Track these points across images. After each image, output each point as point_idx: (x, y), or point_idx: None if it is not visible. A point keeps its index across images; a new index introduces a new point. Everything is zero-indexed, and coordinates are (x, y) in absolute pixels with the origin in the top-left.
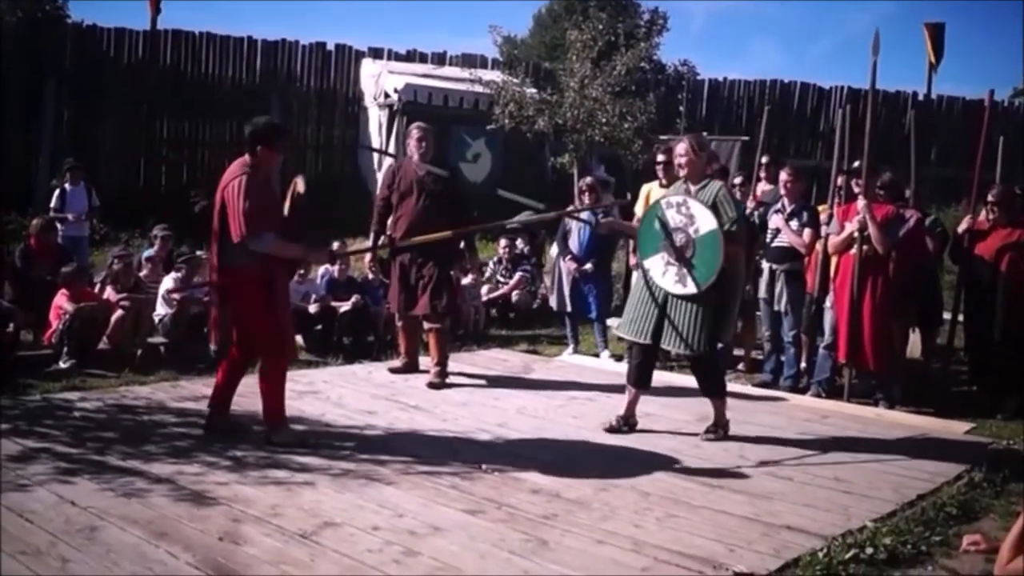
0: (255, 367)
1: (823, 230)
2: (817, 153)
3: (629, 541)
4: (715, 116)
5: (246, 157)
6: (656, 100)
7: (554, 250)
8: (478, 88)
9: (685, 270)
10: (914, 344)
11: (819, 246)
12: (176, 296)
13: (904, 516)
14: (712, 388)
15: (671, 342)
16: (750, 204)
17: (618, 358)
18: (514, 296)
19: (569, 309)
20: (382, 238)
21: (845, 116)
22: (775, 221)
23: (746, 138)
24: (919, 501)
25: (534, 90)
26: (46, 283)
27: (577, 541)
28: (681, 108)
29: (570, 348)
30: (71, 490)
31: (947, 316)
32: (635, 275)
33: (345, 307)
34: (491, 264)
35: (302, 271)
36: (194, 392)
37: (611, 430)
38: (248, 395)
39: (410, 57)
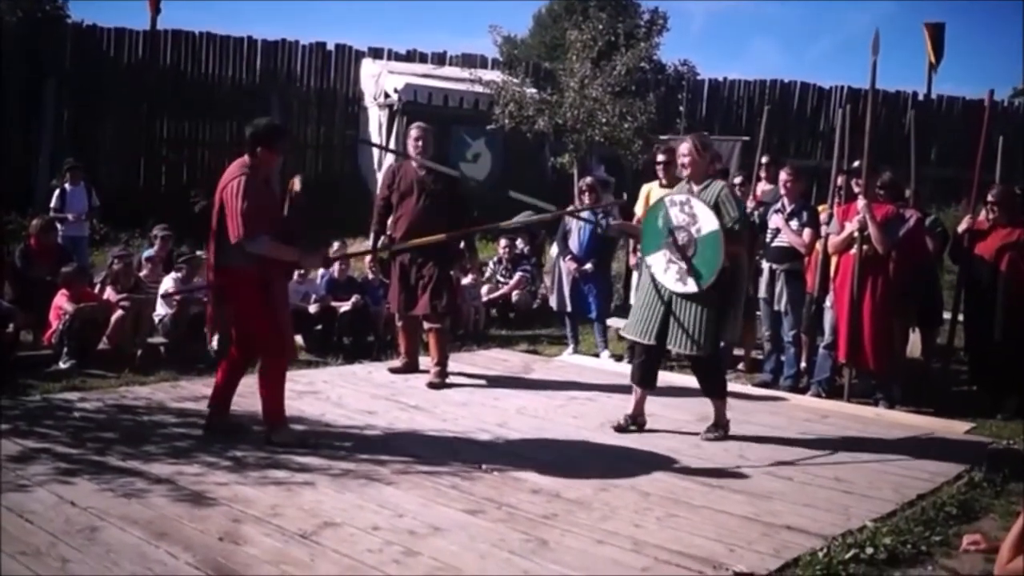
0: (255, 367)
1: (823, 230)
2: (817, 153)
3: (629, 541)
4: (715, 116)
5: (245, 158)
6: (656, 100)
7: (554, 250)
8: (478, 88)
9: (686, 269)
10: (914, 344)
11: (819, 246)
12: (175, 298)
13: (904, 516)
14: (713, 388)
15: (678, 343)
16: (750, 204)
17: (618, 358)
18: (514, 296)
19: (569, 309)
20: (382, 238)
21: (845, 116)
22: (775, 221)
23: (746, 138)
24: (919, 501)
25: (534, 90)
26: (46, 283)
27: (577, 541)
28: (681, 108)
29: (570, 348)
30: (71, 490)
31: (947, 316)
32: (635, 275)
33: (345, 307)
34: (491, 264)
35: (301, 271)
36: (194, 392)
37: (619, 429)
38: (248, 395)
39: (410, 57)
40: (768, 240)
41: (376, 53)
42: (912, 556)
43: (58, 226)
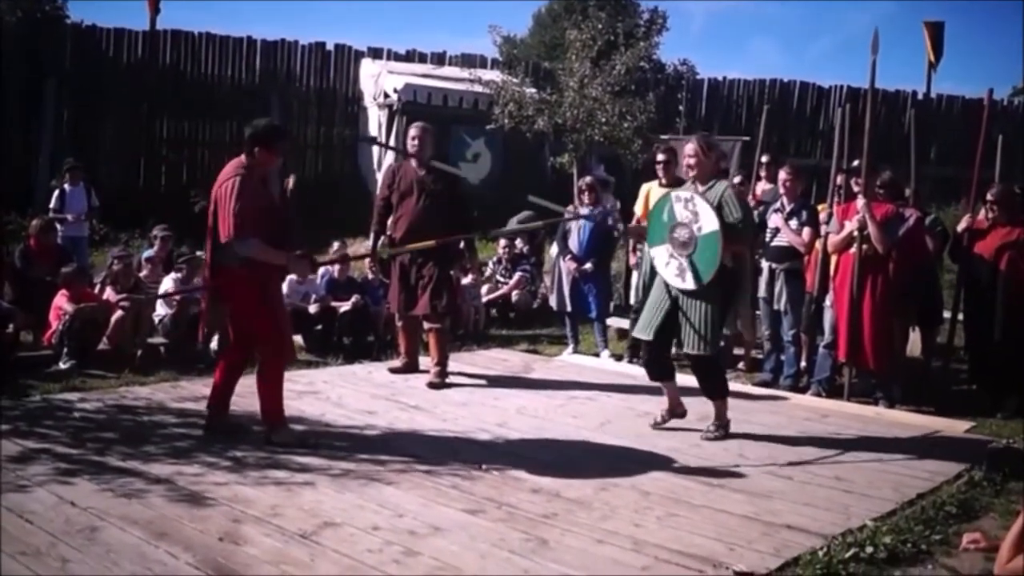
0: (254, 367)
1: (823, 229)
2: (817, 152)
3: (629, 540)
4: (715, 115)
5: (242, 158)
6: (656, 99)
7: (554, 250)
8: (478, 88)
9: (686, 265)
10: (914, 343)
11: (819, 245)
12: (174, 298)
13: (904, 515)
14: (713, 388)
15: (685, 342)
16: (749, 203)
17: (618, 358)
18: (514, 296)
19: (569, 309)
20: (382, 238)
21: (845, 115)
22: (774, 220)
23: (747, 138)
24: (919, 500)
25: (534, 90)
26: (46, 283)
27: (577, 540)
28: (681, 107)
29: (570, 348)
30: (71, 491)
31: (947, 315)
32: (635, 275)
33: (345, 307)
34: (491, 264)
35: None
36: (194, 392)
37: (657, 425)
38: (247, 395)
39: (410, 57)
40: (767, 239)
41: (376, 53)
42: (912, 555)
43: (58, 226)
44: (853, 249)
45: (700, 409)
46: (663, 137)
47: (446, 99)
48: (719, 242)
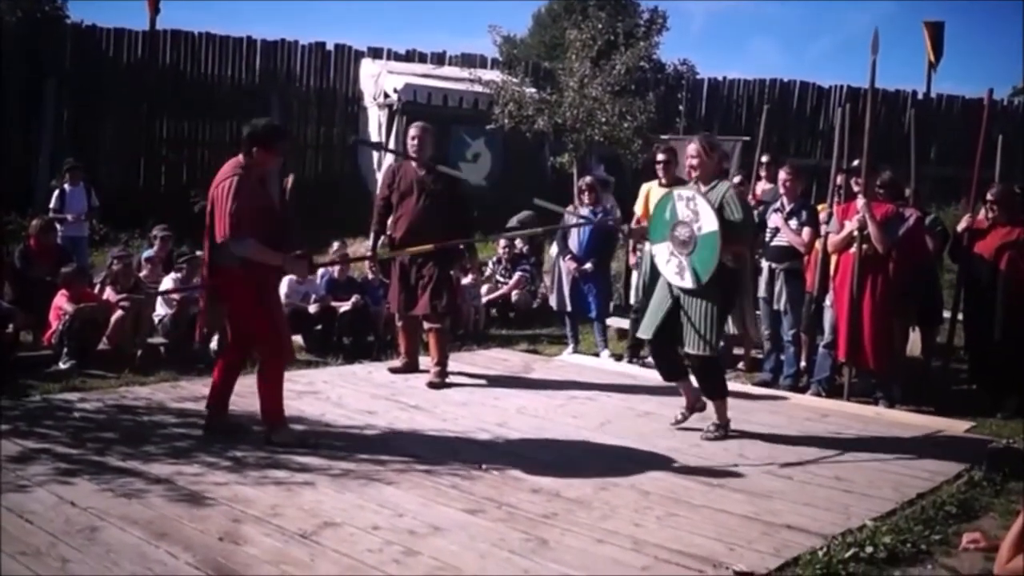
0: (254, 367)
1: (823, 229)
2: (817, 152)
3: (629, 540)
4: (715, 115)
5: (240, 158)
6: (656, 99)
7: (554, 250)
8: (478, 88)
9: (685, 264)
10: (914, 343)
11: (819, 245)
12: (173, 297)
13: (904, 515)
14: (713, 388)
15: (687, 342)
16: (750, 203)
17: (618, 357)
18: (514, 296)
19: (569, 309)
20: (382, 238)
21: (845, 115)
22: (774, 220)
23: (747, 138)
24: (919, 500)
25: (533, 90)
26: (46, 284)
27: (577, 540)
28: (681, 107)
29: (570, 348)
30: (71, 491)
31: (947, 315)
32: (635, 275)
33: (345, 307)
34: (491, 264)
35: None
36: (194, 392)
37: (678, 423)
38: (247, 395)
39: (409, 57)
40: (767, 239)
41: (376, 53)
42: (912, 555)
43: (58, 226)
44: (853, 249)
45: None
46: (663, 137)
47: (446, 99)
48: (718, 242)
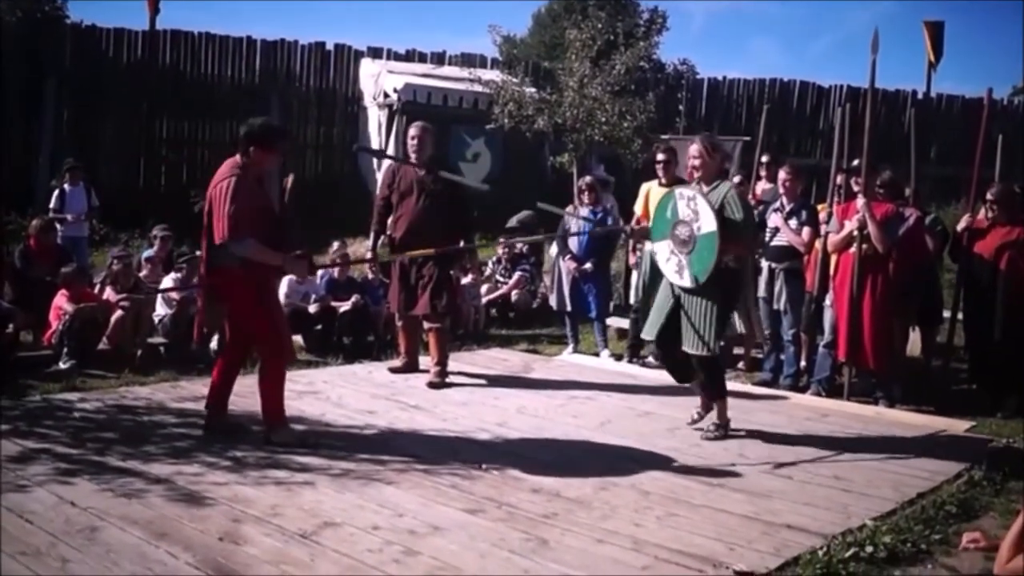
0: (254, 367)
1: (822, 229)
2: (817, 152)
3: (629, 540)
4: (715, 115)
5: (237, 157)
6: (656, 99)
7: (553, 249)
8: (477, 88)
9: (685, 263)
10: (914, 343)
11: (819, 245)
12: (173, 297)
13: (904, 514)
14: (713, 388)
15: (686, 342)
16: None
17: (618, 357)
18: (514, 295)
19: (569, 308)
20: (382, 238)
21: (845, 114)
22: (774, 220)
23: (747, 138)
24: (919, 499)
25: (533, 89)
26: (46, 283)
27: (577, 540)
28: (681, 107)
29: (570, 347)
30: (71, 491)
31: (947, 315)
32: (635, 275)
33: (345, 307)
34: (490, 264)
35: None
36: (194, 392)
37: (694, 422)
38: (247, 395)
39: (409, 57)
40: (767, 239)
41: (375, 53)
42: (912, 555)
43: (58, 226)
44: (853, 249)
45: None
46: (663, 137)
47: (446, 99)
48: (716, 243)
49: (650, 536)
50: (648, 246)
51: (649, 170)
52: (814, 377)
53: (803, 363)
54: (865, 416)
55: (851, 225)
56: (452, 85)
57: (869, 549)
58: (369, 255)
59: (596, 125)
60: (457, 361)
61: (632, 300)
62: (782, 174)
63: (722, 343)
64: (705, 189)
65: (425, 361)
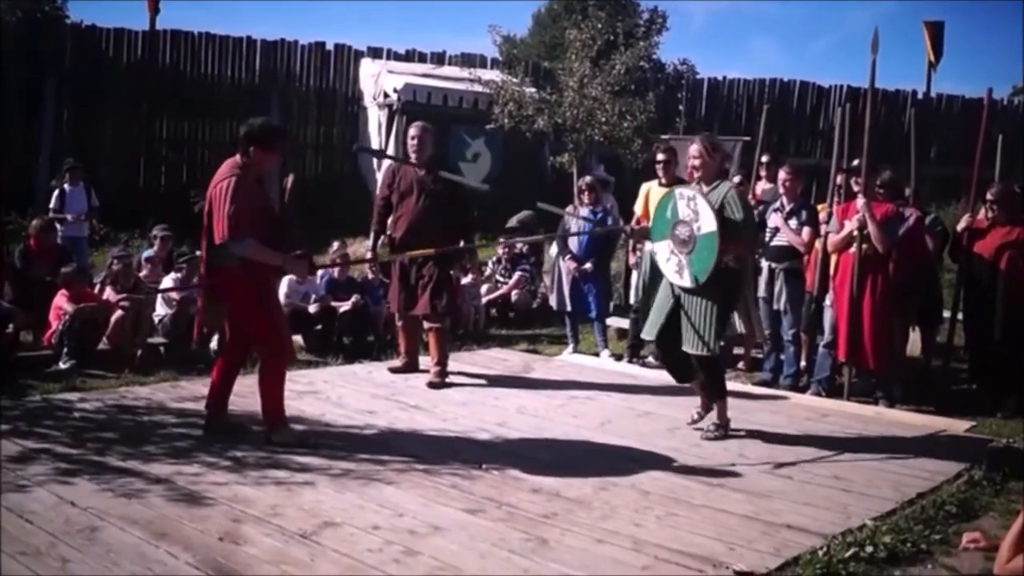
0: (254, 367)
1: (823, 229)
2: (817, 151)
3: (629, 540)
4: (715, 115)
5: (237, 158)
6: (656, 99)
7: (553, 249)
8: (477, 88)
9: (685, 263)
10: (914, 343)
11: (818, 245)
12: (173, 296)
13: (904, 514)
14: (713, 388)
15: (685, 342)
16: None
17: (618, 357)
18: (513, 295)
19: (569, 308)
20: (381, 238)
21: (845, 114)
22: (774, 220)
23: (747, 138)
24: (919, 499)
25: (533, 89)
26: (46, 283)
27: (577, 540)
28: (681, 107)
29: (570, 347)
30: (71, 491)
31: (947, 314)
32: (635, 275)
33: (345, 307)
34: (490, 264)
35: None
36: (194, 392)
37: (694, 422)
38: (247, 395)
39: (409, 57)
40: (767, 239)
41: (375, 53)
42: (912, 555)
43: (58, 226)
44: (853, 249)
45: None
46: (663, 137)
47: (446, 99)
48: (716, 243)
49: (650, 536)
50: (648, 246)
51: (649, 170)
52: (814, 377)
53: (803, 363)
54: (865, 416)
55: (851, 225)
56: (452, 85)
57: (869, 549)
58: (369, 255)
59: (596, 125)
60: (457, 361)
61: (632, 300)
62: (782, 174)
63: (722, 343)
64: (705, 189)
65: (425, 361)
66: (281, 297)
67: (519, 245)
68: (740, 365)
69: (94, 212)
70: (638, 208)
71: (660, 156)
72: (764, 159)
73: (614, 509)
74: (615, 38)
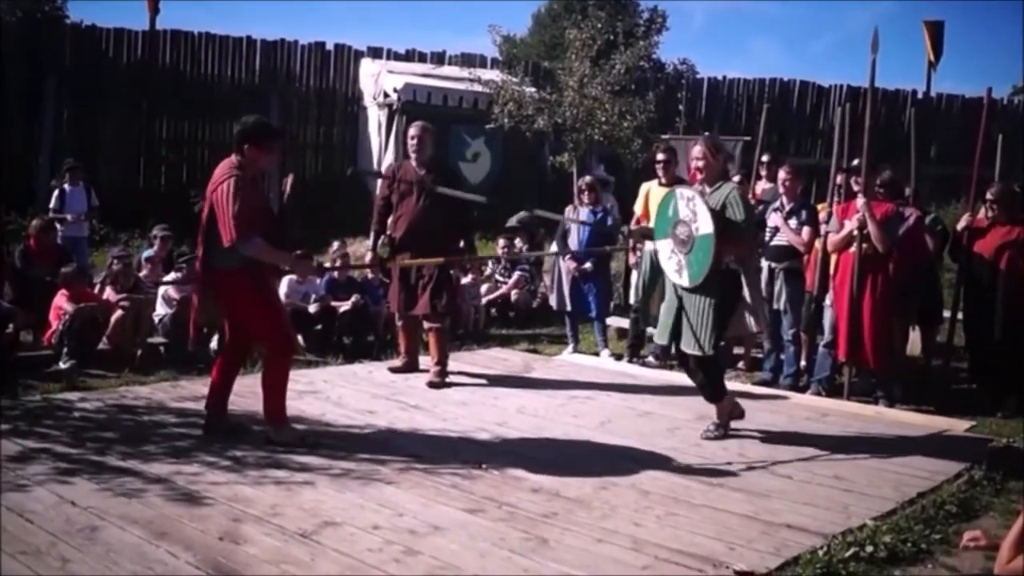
0: (254, 367)
1: (822, 228)
2: (817, 151)
3: (629, 540)
4: (715, 114)
5: (233, 158)
6: (655, 99)
7: (553, 249)
8: (477, 87)
9: (684, 263)
10: (914, 342)
11: (818, 244)
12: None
13: (904, 514)
14: (711, 390)
15: (683, 342)
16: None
17: (618, 357)
18: (513, 295)
19: (569, 308)
20: (382, 238)
21: (845, 114)
22: (774, 219)
23: (747, 138)
24: (919, 499)
25: (533, 89)
26: (46, 283)
27: (577, 540)
28: (680, 107)
29: (570, 347)
30: (71, 490)
31: (947, 314)
32: (634, 275)
33: (345, 307)
34: (490, 263)
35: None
36: (194, 392)
37: (708, 431)
38: (247, 395)
39: (409, 56)
40: (767, 239)
41: (375, 53)
42: (912, 554)
43: (58, 226)
44: (853, 248)
45: (700, 408)
46: (663, 136)
47: (446, 99)
48: (712, 245)
49: (650, 536)
50: (648, 246)
51: (649, 170)
52: (814, 377)
53: (803, 363)
54: (865, 416)
55: (851, 225)
56: (452, 85)
57: (869, 549)
58: (369, 255)
59: (596, 125)
60: (457, 361)
61: (632, 300)
62: (782, 174)
63: (723, 343)
64: (708, 190)
65: (425, 361)
66: (281, 297)
67: (519, 245)
68: (740, 365)
69: (94, 212)
70: (638, 208)
71: (660, 156)
72: (764, 159)
73: (614, 509)
74: (615, 38)
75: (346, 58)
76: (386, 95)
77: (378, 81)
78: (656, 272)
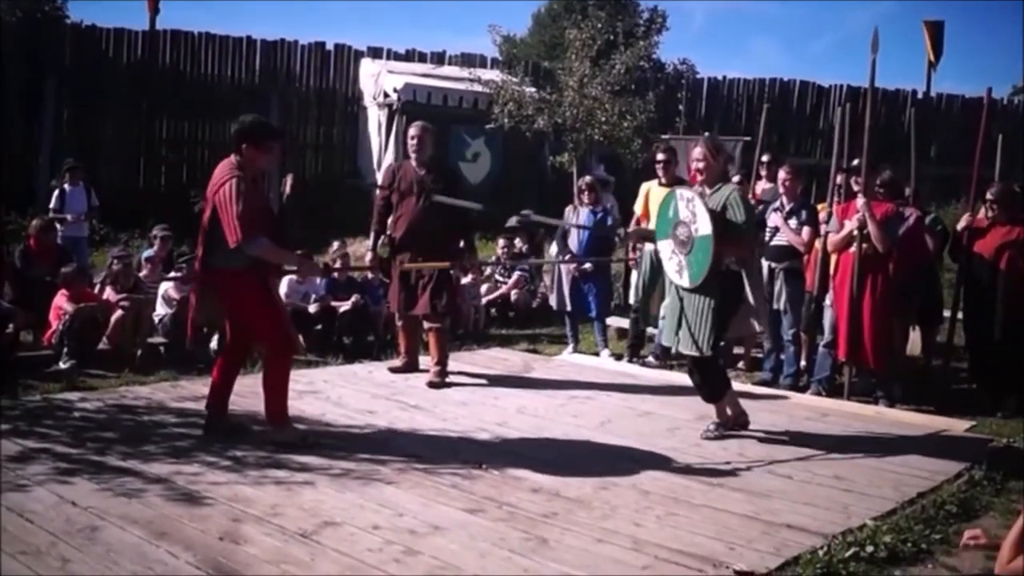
0: (254, 367)
1: (822, 228)
2: (817, 151)
3: (629, 540)
4: (715, 114)
5: (233, 158)
6: (655, 99)
7: (553, 249)
8: (477, 87)
9: (684, 264)
10: (914, 342)
11: (818, 244)
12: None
13: (904, 514)
14: (710, 390)
15: (682, 342)
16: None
17: (618, 357)
18: (513, 295)
19: (569, 308)
20: (382, 238)
21: (845, 114)
22: (774, 219)
23: (747, 138)
24: (919, 499)
25: (533, 89)
26: (46, 283)
27: (577, 540)
28: (680, 107)
29: (570, 347)
30: (71, 490)
31: (947, 314)
32: (634, 274)
33: (345, 307)
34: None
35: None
36: (194, 392)
37: (709, 432)
38: (247, 395)
39: (409, 56)
40: (767, 239)
41: (375, 53)
42: (912, 554)
43: (58, 226)
44: (853, 248)
45: (699, 408)
46: (663, 136)
47: (446, 99)
48: (711, 246)
49: (650, 536)
50: (648, 246)
51: (649, 170)
52: (814, 377)
53: (803, 363)
54: (865, 416)
55: (851, 225)
56: (452, 85)
57: (869, 549)
58: (369, 255)
59: (596, 125)
60: (457, 361)
61: (632, 300)
62: (782, 174)
63: (723, 343)
64: (708, 191)
65: (425, 361)
66: (281, 297)
67: (519, 245)
68: (740, 365)
69: (94, 212)
70: (638, 208)
71: (660, 156)
72: (764, 159)
73: (614, 509)
74: (615, 38)
75: (346, 58)
76: (386, 95)
77: (378, 81)
78: (656, 272)
